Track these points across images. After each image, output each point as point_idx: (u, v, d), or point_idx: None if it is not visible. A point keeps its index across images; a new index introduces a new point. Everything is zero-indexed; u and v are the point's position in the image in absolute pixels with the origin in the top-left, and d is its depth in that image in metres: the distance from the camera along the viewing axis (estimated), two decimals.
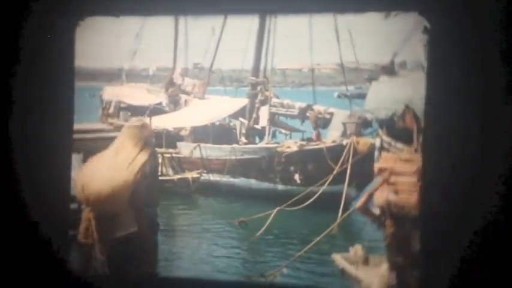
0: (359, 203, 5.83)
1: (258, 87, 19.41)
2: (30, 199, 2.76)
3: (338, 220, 10.52)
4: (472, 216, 2.30)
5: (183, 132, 19.04)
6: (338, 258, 8.34)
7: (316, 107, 18.01)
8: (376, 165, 5.94)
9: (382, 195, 5.59)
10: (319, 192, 13.02)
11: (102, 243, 4.43)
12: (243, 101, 20.18)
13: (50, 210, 2.79)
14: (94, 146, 12.52)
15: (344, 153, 14.28)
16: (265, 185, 17.01)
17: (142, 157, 4.57)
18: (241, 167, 17.12)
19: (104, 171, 4.48)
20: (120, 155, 4.58)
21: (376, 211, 5.67)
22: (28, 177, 2.74)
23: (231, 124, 21.23)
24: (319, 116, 17.33)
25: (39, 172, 2.73)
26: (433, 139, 2.41)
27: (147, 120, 4.98)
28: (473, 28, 2.24)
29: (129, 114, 21.26)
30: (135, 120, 4.92)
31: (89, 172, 4.55)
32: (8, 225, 2.75)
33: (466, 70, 2.27)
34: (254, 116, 19.20)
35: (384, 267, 6.52)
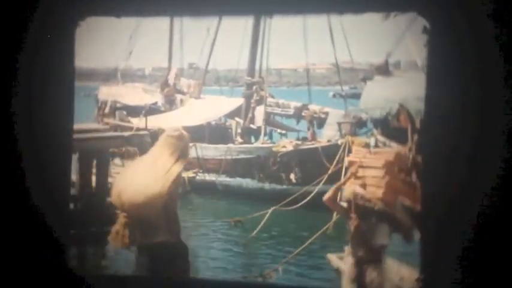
0: (326, 195, 5.79)
1: (254, 87, 19.44)
2: (30, 198, 2.78)
3: (333, 219, 10.56)
4: (470, 216, 2.32)
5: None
6: (333, 258, 8.38)
7: (312, 107, 18.05)
8: (347, 159, 5.96)
9: (349, 189, 5.59)
10: (315, 192, 13.05)
11: (137, 248, 4.59)
12: (238, 101, 20.20)
13: (50, 210, 2.81)
14: (90, 146, 12.54)
15: (339, 153, 14.32)
16: (261, 184, 17.04)
17: (178, 167, 4.67)
18: (237, 167, 17.14)
19: (140, 178, 4.57)
20: (157, 163, 4.66)
21: (344, 204, 5.66)
22: (29, 177, 2.76)
23: (227, 124, 21.24)
24: (315, 115, 17.38)
25: (40, 172, 2.75)
26: (433, 138, 2.43)
27: (184, 131, 5.09)
28: (472, 28, 2.26)
29: (125, 113, 21.27)
30: (173, 130, 5.02)
31: (126, 178, 4.68)
32: (8, 225, 2.77)
33: (465, 70, 2.28)
34: (250, 115, 19.23)
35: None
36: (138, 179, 4.58)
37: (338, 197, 5.74)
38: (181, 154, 4.78)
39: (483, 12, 2.24)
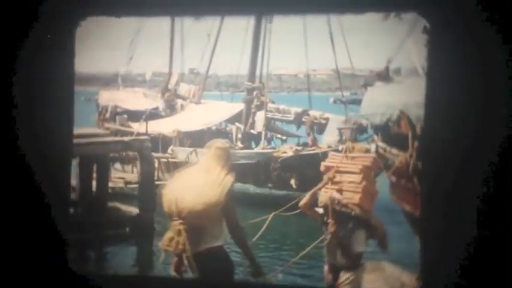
0: (302, 201, 5.75)
1: (254, 93, 19.46)
2: (30, 202, 2.78)
3: None
4: (471, 221, 2.32)
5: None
6: None
7: (312, 113, 18.06)
8: (323, 163, 5.89)
9: (326, 194, 5.53)
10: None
11: (189, 254, 4.78)
12: (239, 106, 20.22)
13: (50, 214, 2.81)
14: (90, 150, 12.55)
15: None
16: (261, 189, 17.02)
17: (231, 178, 4.93)
18: (237, 172, 17.10)
19: (196, 187, 4.81)
20: (210, 174, 4.89)
21: (320, 210, 5.58)
22: (28, 180, 2.76)
23: (227, 129, 21.26)
24: (315, 121, 17.39)
25: (40, 175, 2.74)
26: (433, 141, 2.42)
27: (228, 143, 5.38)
28: (473, 28, 2.26)
29: (126, 118, 21.29)
30: (221, 142, 5.23)
31: (180, 187, 4.89)
32: (8, 228, 2.77)
33: (466, 70, 2.28)
34: (250, 121, 19.25)
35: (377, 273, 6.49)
36: (194, 189, 4.81)
37: (314, 203, 5.68)
38: (230, 165, 5.05)
39: (484, 12, 2.24)
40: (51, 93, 2.67)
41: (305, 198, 5.70)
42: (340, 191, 5.52)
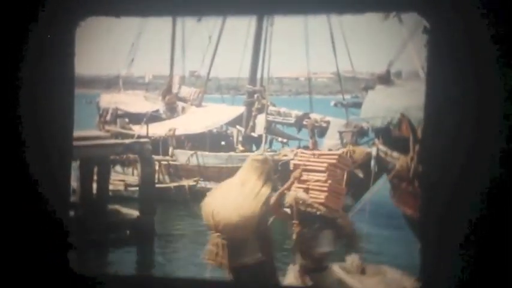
0: (270, 201, 5.63)
1: (255, 96, 19.46)
2: (30, 205, 2.77)
3: None
4: (470, 223, 2.31)
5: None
6: (335, 268, 8.33)
7: (313, 116, 18.04)
8: (292, 162, 5.74)
9: (291, 194, 5.39)
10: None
11: (230, 267, 4.79)
12: (239, 109, 20.22)
13: (49, 217, 2.80)
14: (91, 153, 12.55)
15: None
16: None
17: (266, 190, 4.96)
18: None
19: (232, 200, 4.85)
20: (246, 186, 4.92)
21: (288, 211, 5.44)
22: (28, 183, 2.75)
23: (228, 132, 21.25)
24: (316, 124, 17.37)
25: (39, 178, 2.73)
26: (433, 142, 2.42)
27: (267, 155, 5.39)
28: (473, 28, 2.26)
29: (127, 121, 21.30)
30: (257, 154, 5.23)
31: (217, 200, 4.92)
32: (8, 229, 2.77)
33: (466, 70, 2.28)
34: (251, 124, 19.24)
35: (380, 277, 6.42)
36: (230, 201, 4.85)
37: (282, 203, 5.48)
38: (267, 177, 5.05)
39: (485, 12, 2.23)
40: (51, 93, 2.66)
41: (272, 199, 5.47)
42: (307, 190, 5.37)
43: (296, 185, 5.44)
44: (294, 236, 5.32)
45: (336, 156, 5.74)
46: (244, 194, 4.86)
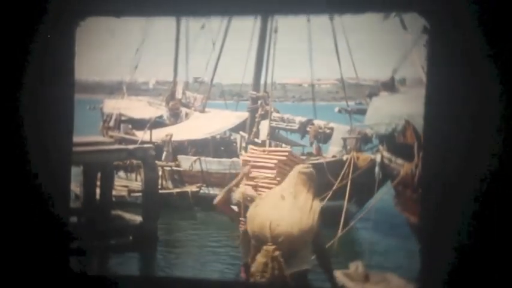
0: (217, 198, 5.47)
1: (259, 102, 19.45)
2: (30, 207, 2.75)
3: (338, 235, 10.49)
4: (471, 229, 2.30)
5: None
6: (338, 275, 8.27)
7: (317, 122, 18.03)
8: (242, 158, 5.62)
9: (239, 190, 5.29)
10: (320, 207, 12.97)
11: (283, 277, 4.78)
12: (243, 115, 20.21)
13: (50, 223, 2.78)
14: (94, 158, 12.54)
15: (344, 169, 14.27)
16: None
17: (318, 202, 4.95)
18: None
19: (289, 213, 4.81)
20: (299, 198, 4.88)
21: (235, 208, 5.35)
22: (28, 188, 2.73)
23: (232, 138, 21.23)
24: (320, 130, 17.35)
25: (39, 176, 2.71)
26: (434, 144, 2.40)
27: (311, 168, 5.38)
28: (473, 28, 2.25)
29: (130, 126, 21.31)
30: (303, 167, 5.17)
31: (271, 212, 4.85)
32: (8, 232, 2.75)
33: (466, 70, 2.27)
34: (254, 130, 19.22)
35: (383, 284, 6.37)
36: (287, 214, 4.81)
37: (230, 200, 5.41)
38: (315, 189, 5.02)
39: (485, 12, 2.22)
40: (51, 93, 2.65)
41: (219, 195, 5.42)
42: (256, 187, 5.29)
43: (245, 181, 5.34)
44: (241, 235, 5.20)
45: (286, 153, 5.64)
46: (298, 207, 4.83)
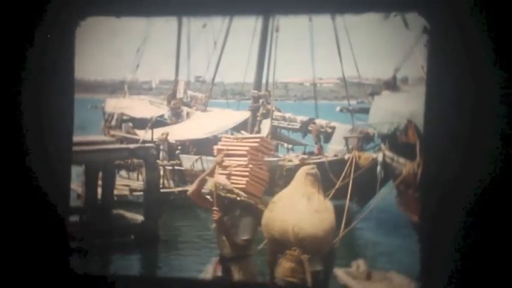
0: (190, 189, 5.40)
1: (260, 101, 19.44)
2: (30, 207, 2.75)
3: (340, 234, 10.46)
4: (470, 227, 2.29)
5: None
6: (340, 273, 8.27)
7: (318, 121, 18.02)
8: (215, 147, 5.57)
9: (212, 180, 5.20)
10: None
11: (303, 280, 4.81)
12: (245, 114, 20.20)
13: (50, 223, 2.77)
14: (96, 157, 12.55)
15: (346, 168, 14.25)
16: (267, 198, 16.93)
17: (331, 203, 4.98)
18: None
19: (308, 215, 4.82)
20: (313, 200, 4.90)
21: (209, 197, 5.23)
22: (28, 187, 2.72)
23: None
24: (321, 129, 17.33)
25: (39, 183, 2.71)
26: (434, 145, 2.40)
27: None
28: (473, 28, 2.24)
29: (131, 126, 21.32)
30: (309, 168, 5.20)
31: (289, 216, 4.86)
32: (8, 232, 2.74)
33: (466, 70, 2.26)
34: (256, 129, 19.20)
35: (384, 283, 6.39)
36: (307, 216, 4.83)
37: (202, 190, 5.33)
38: (323, 189, 5.04)
39: (485, 12, 2.22)
40: (51, 93, 2.64)
41: (193, 186, 5.35)
42: (229, 176, 5.20)
43: (219, 170, 5.28)
44: (214, 224, 5.13)
45: (258, 139, 5.53)
46: (315, 208, 4.85)
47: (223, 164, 5.30)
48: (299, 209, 4.85)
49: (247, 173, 5.20)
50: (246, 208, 5.14)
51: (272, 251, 4.95)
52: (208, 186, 5.23)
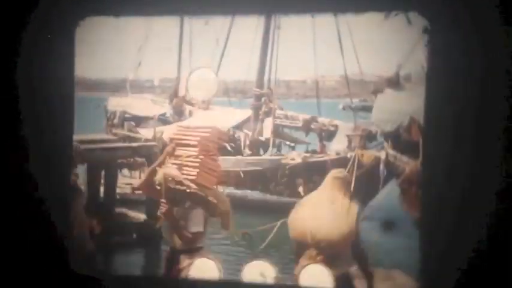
0: (140, 181, 5.39)
1: (262, 99, 19.41)
2: (31, 209, 2.74)
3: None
4: (471, 227, 2.28)
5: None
6: None
7: (321, 119, 17.99)
8: (169, 136, 5.52)
9: (161, 171, 5.11)
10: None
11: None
12: (247, 112, 20.17)
13: (51, 221, 2.76)
14: (98, 156, 12.54)
15: (348, 166, 14.22)
16: (269, 196, 16.94)
17: (355, 206, 5.18)
18: (245, 179, 17.08)
19: (327, 219, 5.04)
20: (336, 204, 5.11)
21: (158, 188, 5.15)
22: (29, 185, 2.72)
23: (235, 135, 21.18)
24: (324, 128, 17.32)
25: (41, 179, 2.70)
26: (434, 144, 2.39)
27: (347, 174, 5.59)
28: (473, 28, 2.24)
29: (133, 124, 21.29)
30: (338, 171, 5.38)
31: (310, 218, 5.08)
32: (8, 232, 2.73)
33: (466, 69, 2.26)
34: (258, 127, 19.19)
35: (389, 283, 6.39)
36: (326, 220, 5.02)
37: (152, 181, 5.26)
38: (350, 193, 5.20)
39: (484, 12, 2.21)
40: (51, 92, 2.64)
41: (142, 178, 5.34)
42: (180, 166, 5.15)
43: (171, 161, 5.19)
44: (162, 217, 5.09)
45: (209, 129, 5.48)
46: (336, 212, 5.03)
47: (175, 153, 5.25)
48: (320, 212, 5.04)
49: (197, 164, 5.08)
50: (196, 200, 5.09)
51: (295, 251, 5.18)
52: (157, 177, 5.11)
